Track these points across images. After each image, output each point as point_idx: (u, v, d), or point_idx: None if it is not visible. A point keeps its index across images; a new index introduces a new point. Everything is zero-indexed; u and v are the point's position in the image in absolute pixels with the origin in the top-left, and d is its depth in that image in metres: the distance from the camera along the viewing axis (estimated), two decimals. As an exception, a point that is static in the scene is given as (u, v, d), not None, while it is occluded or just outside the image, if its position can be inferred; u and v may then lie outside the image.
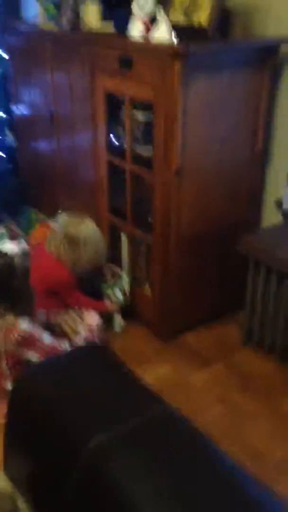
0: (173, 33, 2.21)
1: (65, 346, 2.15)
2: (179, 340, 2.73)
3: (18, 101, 3.60)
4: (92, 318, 2.43)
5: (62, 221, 2.58)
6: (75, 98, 2.91)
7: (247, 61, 2.36)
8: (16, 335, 1.97)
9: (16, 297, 2.05)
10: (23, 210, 3.65)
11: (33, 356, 2.02)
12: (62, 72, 2.96)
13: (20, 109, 3.53)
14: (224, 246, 2.66)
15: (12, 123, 3.69)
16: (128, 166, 2.63)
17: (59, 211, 3.07)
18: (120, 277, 2.78)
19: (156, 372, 2.48)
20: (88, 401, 1.25)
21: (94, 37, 2.68)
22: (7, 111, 3.67)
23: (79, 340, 2.28)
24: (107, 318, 2.67)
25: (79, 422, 1.19)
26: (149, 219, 2.60)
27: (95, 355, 1.52)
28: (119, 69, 2.44)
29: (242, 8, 2.48)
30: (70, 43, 2.86)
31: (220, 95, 2.33)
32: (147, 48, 2.32)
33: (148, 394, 1.30)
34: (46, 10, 2.90)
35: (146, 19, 2.30)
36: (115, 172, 2.76)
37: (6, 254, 2.05)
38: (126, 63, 2.38)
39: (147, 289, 2.78)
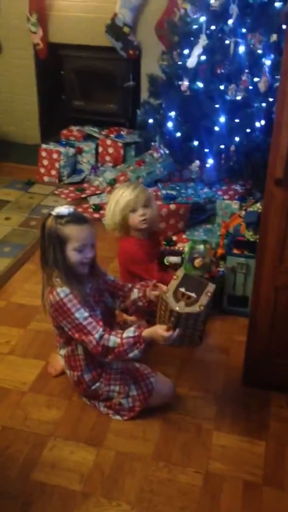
0: None
1: (96, 334, 1.81)
2: (262, 392, 2.08)
3: None
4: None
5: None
6: None
7: None
8: (51, 299, 1.86)
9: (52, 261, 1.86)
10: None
11: (65, 326, 1.87)
12: None
13: None
14: None
15: None
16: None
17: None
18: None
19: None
20: None
21: None
22: None
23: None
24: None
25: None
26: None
27: None
28: None
29: None
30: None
31: None
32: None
33: None
34: None
35: None
36: None
37: (50, 215, 1.84)
38: None
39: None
